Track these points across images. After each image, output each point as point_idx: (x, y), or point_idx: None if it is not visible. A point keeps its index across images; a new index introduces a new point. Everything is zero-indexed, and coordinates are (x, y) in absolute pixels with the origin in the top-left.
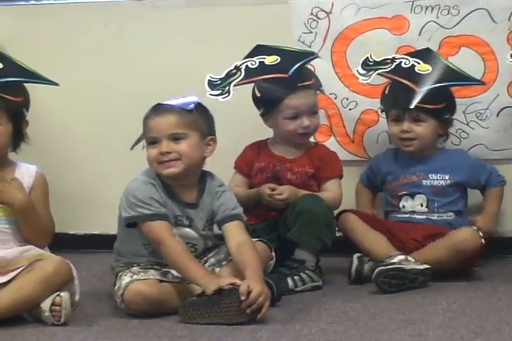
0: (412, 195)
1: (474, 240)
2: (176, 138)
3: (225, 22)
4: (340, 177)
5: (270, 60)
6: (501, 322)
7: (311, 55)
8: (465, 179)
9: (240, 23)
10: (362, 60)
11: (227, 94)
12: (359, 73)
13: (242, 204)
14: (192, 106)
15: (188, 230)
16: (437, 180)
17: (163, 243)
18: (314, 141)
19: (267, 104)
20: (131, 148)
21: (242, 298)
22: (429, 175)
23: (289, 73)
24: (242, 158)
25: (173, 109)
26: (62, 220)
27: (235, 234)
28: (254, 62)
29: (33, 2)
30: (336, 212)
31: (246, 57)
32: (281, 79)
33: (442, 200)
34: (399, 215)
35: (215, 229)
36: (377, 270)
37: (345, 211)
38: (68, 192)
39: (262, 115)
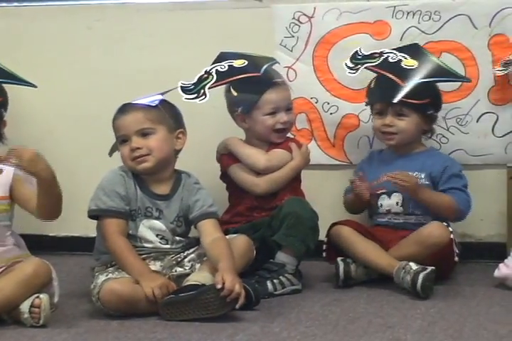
0: (389, 194)
1: (441, 233)
2: (144, 133)
3: (208, 26)
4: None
5: (238, 63)
6: (479, 327)
7: (271, 60)
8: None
9: (223, 26)
10: (351, 53)
11: (203, 97)
12: (347, 66)
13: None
14: (156, 102)
15: (156, 222)
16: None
17: (109, 240)
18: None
19: (245, 103)
20: (110, 155)
21: (218, 286)
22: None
23: (261, 72)
24: (225, 159)
25: (138, 107)
26: (42, 222)
27: (211, 231)
28: (223, 66)
29: (15, 4)
30: (323, 222)
31: (213, 63)
32: (254, 77)
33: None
34: (379, 219)
35: (183, 228)
36: (422, 275)
37: (336, 223)
38: None
39: (238, 115)
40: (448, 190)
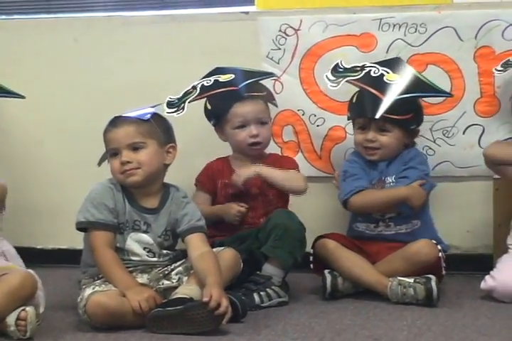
0: None
1: (428, 251)
2: (134, 147)
3: (195, 38)
4: (298, 170)
5: (225, 77)
6: (466, 339)
7: (269, 75)
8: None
9: (210, 39)
10: (332, 65)
11: (181, 111)
12: (328, 79)
13: (206, 221)
14: (148, 116)
15: (143, 235)
16: (393, 182)
17: (96, 252)
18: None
19: (216, 115)
20: (99, 165)
21: (206, 299)
22: (386, 179)
23: (239, 86)
24: (205, 174)
25: (130, 120)
26: (30, 234)
27: (198, 245)
28: (209, 81)
29: (3, 17)
30: (309, 235)
31: (203, 78)
32: (230, 91)
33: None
34: (368, 231)
35: (170, 241)
36: (434, 283)
37: (321, 237)
38: (36, 206)
39: (214, 127)
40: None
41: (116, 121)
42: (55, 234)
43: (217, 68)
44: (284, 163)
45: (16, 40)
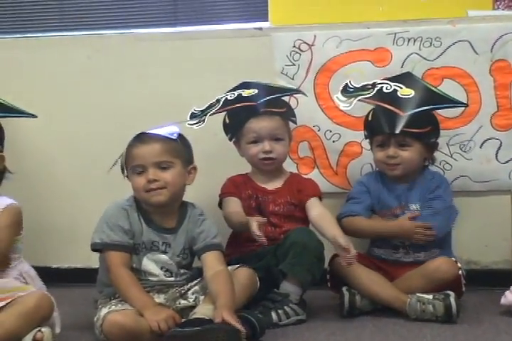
0: None
1: (448, 269)
2: (162, 166)
3: (208, 55)
4: (320, 198)
5: (248, 92)
6: None
7: (293, 91)
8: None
9: (223, 56)
10: (341, 86)
11: (201, 123)
12: (339, 100)
13: (238, 229)
14: (176, 135)
15: (162, 256)
16: (417, 209)
17: (113, 272)
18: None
19: (232, 129)
20: (109, 169)
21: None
22: (410, 206)
23: (258, 101)
24: (230, 185)
25: (158, 138)
26: (45, 254)
27: (213, 263)
28: (233, 95)
29: (17, 35)
30: (326, 252)
31: (229, 91)
32: (248, 106)
33: None
34: (387, 256)
35: (188, 260)
36: (453, 299)
37: (336, 255)
38: (51, 225)
39: (233, 142)
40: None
41: (143, 138)
42: (70, 252)
43: (244, 82)
44: (307, 187)
45: (29, 59)
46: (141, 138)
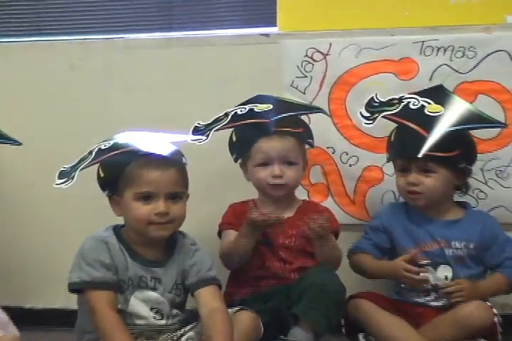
0: (435, 265)
1: (482, 315)
2: (174, 197)
3: (206, 65)
4: (338, 233)
5: (261, 107)
6: None
7: (314, 109)
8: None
9: (223, 66)
10: (366, 100)
11: (205, 138)
12: (362, 116)
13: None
14: (183, 159)
15: (151, 293)
16: (461, 249)
17: (97, 315)
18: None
19: (239, 149)
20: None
21: None
22: (452, 243)
23: (271, 118)
24: (230, 215)
25: (174, 162)
26: (16, 291)
27: (209, 299)
28: (244, 109)
29: None
30: None
31: (239, 105)
32: (259, 123)
33: (467, 271)
34: (414, 298)
35: (182, 297)
36: None
37: (355, 296)
38: (25, 258)
39: (239, 163)
40: (502, 262)
41: (157, 160)
42: (46, 291)
43: (259, 96)
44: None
45: (1, 68)
46: (154, 159)
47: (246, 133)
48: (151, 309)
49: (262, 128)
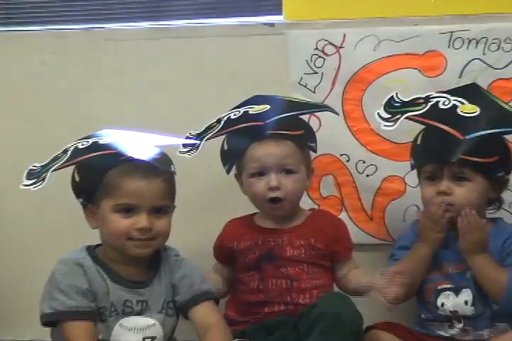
0: (456, 290)
1: None
2: (158, 211)
3: (200, 59)
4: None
5: (257, 109)
6: None
7: (319, 108)
8: None
9: (220, 60)
10: (385, 100)
11: (195, 150)
12: (381, 117)
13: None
14: (172, 166)
15: (140, 319)
16: None
17: None
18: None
19: (231, 158)
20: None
21: None
22: None
23: (266, 121)
24: (218, 239)
25: (161, 172)
26: None
27: (207, 317)
28: (238, 113)
29: None
30: None
31: (234, 108)
32: (253, 127)
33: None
34: (437, 330)
35: (174, 318)
36: None
37: (372, 327)
38: None
39: (228, 173)
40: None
41: (142, 168)
42: (15, 321)
43: (257, 96)
44: (336, 229)
45: None
46: (140, 167)
47: (238, 138)
48: (144, 339)
49: (255, 131)
